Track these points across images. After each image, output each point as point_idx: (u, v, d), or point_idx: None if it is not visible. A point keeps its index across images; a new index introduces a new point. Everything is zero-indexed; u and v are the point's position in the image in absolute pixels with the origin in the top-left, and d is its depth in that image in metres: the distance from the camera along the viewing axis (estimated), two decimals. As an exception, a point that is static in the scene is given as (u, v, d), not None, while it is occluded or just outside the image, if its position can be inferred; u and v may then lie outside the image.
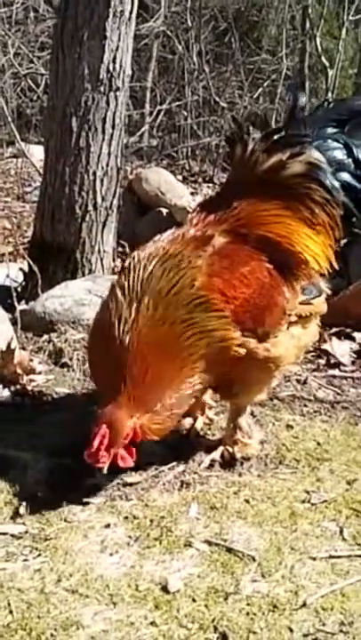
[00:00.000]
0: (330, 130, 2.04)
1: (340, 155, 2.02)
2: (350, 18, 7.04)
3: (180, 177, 5.68)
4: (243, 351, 1.82)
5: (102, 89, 2.92)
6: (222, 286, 1.80)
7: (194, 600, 1.53)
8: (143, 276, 1.80)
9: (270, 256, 1.89)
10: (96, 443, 1.72)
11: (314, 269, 1.98)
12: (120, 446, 1.75)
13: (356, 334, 3.09)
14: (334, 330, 3.13)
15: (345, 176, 2.02)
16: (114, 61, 2.91)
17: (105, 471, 1.76)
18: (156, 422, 1.78)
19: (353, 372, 2.80)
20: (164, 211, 4.49)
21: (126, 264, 1.89)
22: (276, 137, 1.96)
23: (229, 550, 1.68)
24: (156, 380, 1.75)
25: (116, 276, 1.95)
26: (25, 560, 1.63)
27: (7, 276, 3.16)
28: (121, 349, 1.75)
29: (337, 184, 1.98)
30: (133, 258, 1.88)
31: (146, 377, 1.74)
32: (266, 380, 1.99)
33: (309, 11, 7.10)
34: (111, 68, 2.91)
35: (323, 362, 2.86)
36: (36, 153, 5.28)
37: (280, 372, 2.02)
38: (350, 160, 2.02)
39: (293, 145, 1.94)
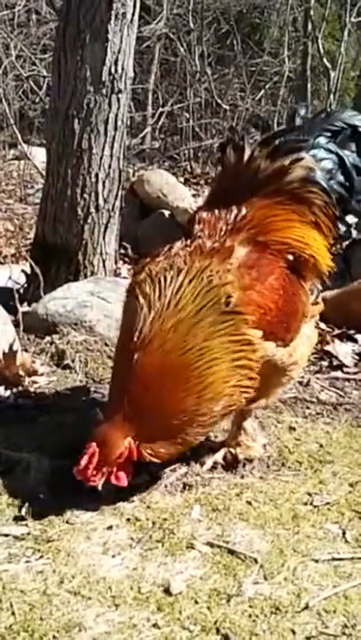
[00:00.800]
0: (323, 140, 2.06)
1: (330, 164, 2.05)
2: (352, 20, 7.05)
3: (181, 179, 5.69)
4: (274, 362, 1.82)
5: (104, 91, 2.92)
6: (257, 299, 1.78)
7: (196, 602, 1.53)
8: (168, 293, 1.76)
9: (287, 261, 1.91)
10: (84, 461, 1.71)
11: (321, 271, 2.01)
12: (114, 465, 1.73)
13: (358, 336, 3.10)
14: (337, 332, 3.13)
15: (335, 184, 2.05)
16: (116, 64, 2.91)
17: (100, 488, 1.74)
18: (160, 447, 1.75)
19: (355, 373, 2.80)
20: (166, 213, 4.50)
21: (142, 276, 1.83)
22: (276, 143, 1.97)
23: (232, 552, 1.68)
24: (158, 405, 1.72)
25: (129, 283, 1.89)
26: (27, 562, 1.63)
27: (9, 277, 3.16)
28: (129, 368, 1.74)
29: (332, 187, 2.02)
30: (150, 270, 1.82)
31: (146, 401, 1.72)
32: (285, 383, 2.00)
33: (311, 13, 7.11)
34: (113, 70, 2.91)
35: (325, 364, 2.86)
36: (39, 155, 5.29)
37: (298, 372, 2.04)
38: (340, 171, 2.06)
39: (294, 151, 1.96)
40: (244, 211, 1.92)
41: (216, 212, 1.94)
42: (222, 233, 1.89)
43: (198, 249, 1.84)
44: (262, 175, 1.96)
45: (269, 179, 1.95)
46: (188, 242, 1.88)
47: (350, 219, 2.07)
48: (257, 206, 1.93)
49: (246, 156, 1.98)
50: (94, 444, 1.72)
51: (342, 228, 2.09)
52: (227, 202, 1.95)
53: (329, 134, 2.07)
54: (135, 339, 1.75)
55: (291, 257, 1.92)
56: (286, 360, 1.88)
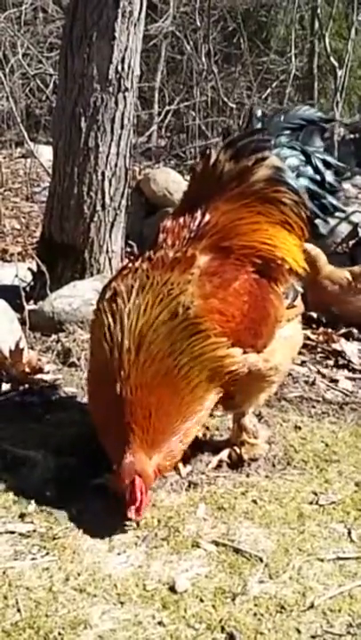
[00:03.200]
0: (284, 138, 2.04)
1: (296, 161, 2.03)
2: (360, 18, 7.02)
3: (188, 177, 5.67)
4: (246, 369, 1.80)
5: (111, 89, 2.91)
6: (220, 306, 1.75)
7: (201, 600, 1.53)
8: (131, 312, 1.72)
9: (255, 265, 1.86)
10: (138, 496, 1.67)
11: (294, 272, 1.97)
12: (148, 491, 1.73)
13: (363, 335, 3.09)
14: (343, 331, 3.13)
15: (305, 182, 2.03)
16: (123, 62, 2.91)
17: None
18: (169, 457, 1.75)
19: (361, 372, 2.80)
20: (172, 211, 4.49)
21: (107, 296, 1.80)
22: (238, 145, 1.94)
23: (237, 551, 1.68)
24: (163, 419, 1.72)
25: (96, 312, 1.86)
26: (33, 559, 1.63)
27: (16, 275, 3.16)
28: (120, 398, 1.70)
29: (300, 185, 2.00)
30: (114, 291, 1.79)
31: (151, 419, 1.71)
32: (267, 388, 1.97)
33: (318, 11, 7.08)
34: (120, 68, 2.91)
35: (331, 363, 2.86)
36: (45, 153, 5.29)
37: (281, 377, 2.01)
38: (308, 166, 2.04)
39: (257, 151, 1.94)
40: (207, 217, 1.87)
41: (180, 219, 1.90)
42: (185, 242, 1.85)
43: (160, 261, 1.80)
44: (227, 178, 1.92)
45: (234, 181, 1.92)
46: (152, 253, 1.84)
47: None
48: (222, 211, 1.88)
49: (212, 161, 1.95)
50: (136, 476, 1.68)
51: (321, 226, 2.07)
52: (193, 209, 1.90)
53: (290, 132, 2.04)
54: (111, 370, 1.71)
55: (259, 260, 1.87)
56: (262, 366, 1.84)
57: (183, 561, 1.64)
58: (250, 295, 1.81)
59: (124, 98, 2.96)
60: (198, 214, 1.89)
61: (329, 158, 2.09)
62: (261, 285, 1.87)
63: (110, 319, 1.76)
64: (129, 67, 2.93)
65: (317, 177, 2.05)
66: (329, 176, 2.06)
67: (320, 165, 2.05)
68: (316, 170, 2.05)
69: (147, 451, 1.71)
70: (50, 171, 3.61)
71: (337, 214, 3.92)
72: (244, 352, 1.79)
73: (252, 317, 1.81)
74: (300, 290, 2.05)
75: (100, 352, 1.77)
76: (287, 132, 2.05)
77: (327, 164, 2.08)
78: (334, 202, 2.08)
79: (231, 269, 1.82)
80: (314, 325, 3.17)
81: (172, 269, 1.77)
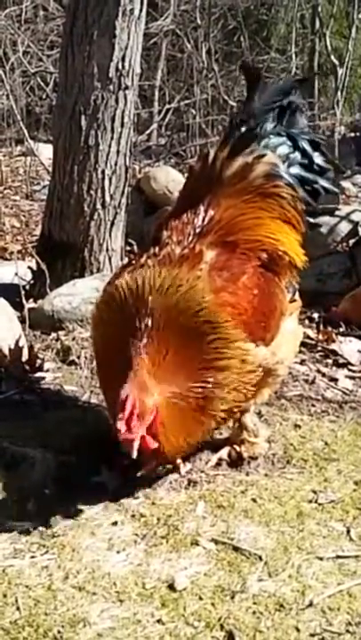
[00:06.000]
0: (270, 125, 2.03)
1: (286, 149, 2.03)
2: (360, 16, 7.00)
3: (187, 175, 5.66)
4: (257, 362, 1.80)
5: (111, 87, 2.91)
6: (231, 300, 1.76)
7: (200, 598, 1.53)
8: (142, 312, 1.71)
9: (260, 259, 1.88)
10: (127, 411, 1.61)
11: (295, 266, 1.99)
12: (145, 425, 1.66)
13: (364, 333, 3.08)
14: (342, 329, 3.13)
15: (296, 169, 2.03)
16: (123, 60, 2.90)
17: (134, 455, 1.65)
18: (173, 435, 1.73)
19: (361, 371, 2.80)
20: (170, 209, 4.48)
21: (113, 290, 1.78)
22: (233, 142, 1.95)
23: (236, 549, 1.68)
24: (178, 359, 1.69)
25: (98, 298, 1.85)
26: (32, 557, 1.63)
27: (16, 274, 3.16)
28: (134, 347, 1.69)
29: (294, 175, 2.01)
30: (118, 289, 1.77)
31: (166, 357, 1.68)
32: (273, 383, 1.98)
33: (319, 9, 7.08)
34: (120, 66, 2.90)
35: (331, 361, 2.86)
36: (45, 151, 5.28)
37: (285, 371, 2.02)
38: (296, 151, 2.04)
39: (248, 143, 1.95)
40: (211, 213, 1.89)
41: (183, 216, 1.90)
42: (190, 238, 1.85)
43: (167, 257, 1.80)
44: (226, 175, 1.94)
45: (234, 178, 1.94)
46: (157, 250, 1.84)
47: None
48: (224, 207, 1.90)
49: (210, 159, 1.96)
50: (131, 396, 1.63)
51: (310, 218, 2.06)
52: (194, 206, 1.91)
53: (273, 116, 2.03)
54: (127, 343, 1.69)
55: (264, 255, 1.89)
56: (270, 359, 1.85)
57: (182, 559, 1.64)
58: (258, 288, 1.83)
59: (125, 96, 2.96)
60: (201, 211, 1.90)
61: (315, 138, 2.10)
62: (267, 279, 1.89)
63: (122, 311, 1.75)
64: (129, 65, 2.93)
65: (306, 161, 2.05)
66: (317, 157, 2.07)
67: (307, 148, 2.06)
68: (304, 153, 2.05)
69: (152, 383, 1.67)
70: (50, 169, 3.61)
71: (337, 213, 3.96)
72: (256, 346, 1.80)
73: (262, 310, 1.82)
74: (296, 286, 2.06)
75: (105, 349, 1.77)
76: (270, 115, 2.04)
77: (314, 145, 2.08)
78: (326, 184, 2.08)
79: (238, 264, 1.84)
80: (314, 324, 3.17)
81: (180, 265, 1.78)
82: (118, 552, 1.66)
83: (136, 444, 1.64)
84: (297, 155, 2.05)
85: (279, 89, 2.09)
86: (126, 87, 2.95)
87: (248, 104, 2.07)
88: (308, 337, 2.98)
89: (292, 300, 2.01)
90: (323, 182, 2.07)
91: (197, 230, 1.87)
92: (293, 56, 7.09)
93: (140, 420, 1.64)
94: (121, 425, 1.62)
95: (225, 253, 1.84)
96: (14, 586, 1.55)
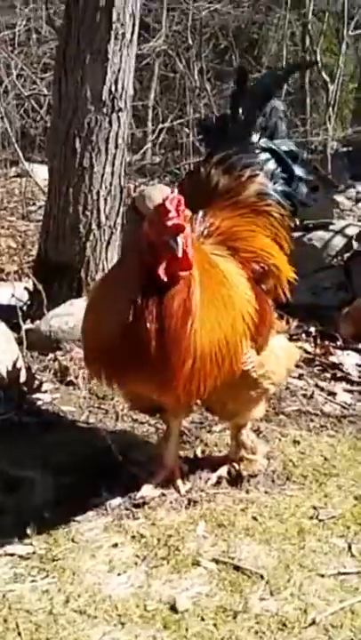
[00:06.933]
0: (254, 136, 2.06)
1: (272, 165, 2.07)
2: (350, 33, 7.10)
3: (177, 189, 5.69)
4: (250, 363, 1.79)
5: (105, 110, 2.95)
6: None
7: (202, 619, 1.52)
8: None
9: (252, 268, 1.90)
10: (174, 205, 1.54)
11: (284, 283, 2.00)
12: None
13: (361, 346, 3.09)
14: (339, 343, 3.14)
15: (280, 187, 2.07)
16: (116, 83, 2.94)
17: (179, 252, 1.55)
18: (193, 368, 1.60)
19: (359, 385, 2.80)
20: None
21: None
22: (230, 161, 1.99)
23: (237, 568, 1.68)
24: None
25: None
26: (33, 581, 1.63)
27: (13, 295, 3.17)
28: None
29: (280, 192, 2.05)
30: None
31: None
32: (259, 399, 1.96)
33: (309, 27, 7.17)
34: (113, 89, 2.94)
35: (329, 375, 2.86)
36: (40, 172, 5.32)
37: (272, 387, 1.98)
38: (279, 166, 2.08)
39: (247, 166, 1.99)
40: (209, 220, 1.92)
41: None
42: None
43: None
44: (221, 190, 1.98)
45: (228, 193, 1.98)
46: None
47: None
48: (220, 217, 1.94)
49: (204, 175, 2.00)
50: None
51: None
52: (192, 215, 1.92)
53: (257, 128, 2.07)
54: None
55: (256, 266, 1.91)
56: (257, 368, 1.83)
57: (184, 580, 1.63)
58: (253, 291, 1.84)
59: (118, 118, 2.99)
60: (199, 218, 1.93)
61: (293, 148, 2.13)
62: (258, 289, 1.90)
63: None
64: (122, 87, 2.97)
65: (286, 175, 2.09)
66: (297, 170, 2.11)
67: (286, 159, 2.09)
68: (285, 167, 2.09)
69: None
70: (45, 189, 3.64)
71: (331, 228, 3.98)
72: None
73: (256, 311, 1.82)
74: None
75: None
76: (256, 124, 2.07)
77: (293, 156, 2.11)
78: (304, 199, 2.12)
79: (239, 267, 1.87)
80: (311, 339, 3.18)
81: None
82: (119, 574, 1.65)
83: (181, 240, 1.55)
84: (279, 170, 2.09)
85: (262, 92, 2.12)
86: (120, 109, 2.98)
87: (235, 110, 2.10)
88: (306, 351, 2.99)
89: (278, 318, 2.05)
90: (301, 197, 2.11)
91: (199, 233, 1.90)
92: (285, 73, 7.15)
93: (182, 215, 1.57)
94: (172, 213, 1.54)
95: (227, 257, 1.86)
96: (15, 611, 1.54)
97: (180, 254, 1.57)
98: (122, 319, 1.59)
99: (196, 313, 1.60)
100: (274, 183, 2.05)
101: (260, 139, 2.07)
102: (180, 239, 1.56)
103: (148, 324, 1.57)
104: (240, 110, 2.08)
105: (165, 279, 1.58)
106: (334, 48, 7.58)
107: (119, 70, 2.94)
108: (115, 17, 2.87)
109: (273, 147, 2.08)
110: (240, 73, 2.18)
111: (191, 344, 1.59)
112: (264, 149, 2.07)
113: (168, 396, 1.71)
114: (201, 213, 1.93)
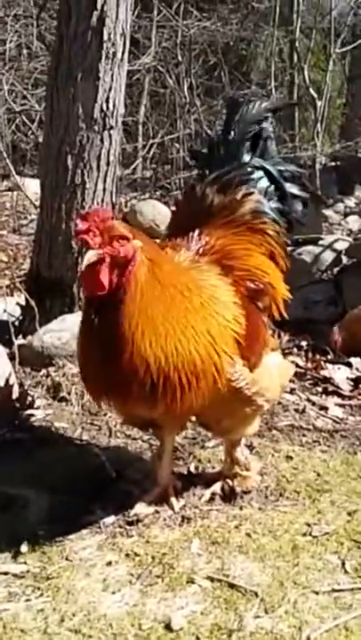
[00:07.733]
0: (246, 156, 2.09)
1: (265, 183, 2.09)
2: (337, 50, 7.21)
3: (173, 208, 5.73)
4: (242, 380, 1.81)
5: (96, 128, 2.97)
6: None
7: (198, 638, 1.52)
8: None
9: (247, 287, 1.92)
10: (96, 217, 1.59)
11: (280, 301, 2.02)
12: (108, 244, 1.62)
13: (352, 359, 3.11)
14: (330, 357, 3.16)
15: (274, 204, 2.09)
16: (107, 101, 2.97)
17: (92, 257, 1.59)
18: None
19: (351, 399, 2.82)
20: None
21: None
22: (224, 179, 2.01)
23: (232, 586, 1.68)
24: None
25: None
26: (27, 600, 1.62)
27: (4, 310, 3.17)
28: None
29: (279, 215, 2.07)
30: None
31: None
32: (252, 415, 1.96)
33: (297, 44, 7.27)
34: (105, 107, 2.97)
35: (320, 389, 2.88)
36: (32, 186, 5.34)
37: (266, 404, 1.98)
38: (273, 187, 2.10)
39: (241, 183, 2.01)
40: (205, 239, 1.94)
41: (178, 241, 1.95)
42: (187, 254, 1.90)
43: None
44: (216, 209, 2.00)
45: (223, 211, 2.00)
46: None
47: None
48: (215, 236, 1.96)
49: (199, 193, 2.02)
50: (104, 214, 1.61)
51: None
52: (186, 234, 1.96)
53: (249, 144, 2.09)
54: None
55: (252, 285, 1.93)
56: (250, 385, 1.84)
57: (178, 598, 1.63)
58: (246, 310, 1.85)
59: (110, 135, 3.02)
60: (195, 236, 1.95)
61: (284, 167, 2.15)
62: (254, 305, 1.93)
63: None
64: (114, 105, 3.00)
65: (280, 193, 2.12)
66: (289, 187, 2.13)
67: (280, 178, 2.12)
68: (278, 185, 2.11)
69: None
70: (37, 203, 3.64)
71: (321, 242, 4.02)
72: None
73: (250, 331, 1.83)
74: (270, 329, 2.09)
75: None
76: (246, 145, 2.09)
77: (284, 175, 2.14)
78: (298, 216, 2.14)
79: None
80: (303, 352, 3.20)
81: None
82: (114, 593, 1.65)
83: (92, 255, 1.59)
84: (272, 187, 2.11)
85: (253, 117, 2.14)
86: (111, 127, 3.01)
87: (227, 134, 2.11)
88: (297, 365, 3.01)
89: (272, 335, 2.05)
90: (294, 214, 2.13)
91: (194, 252, 1.92)
92: (273, 90, 7.25)
93: (106, 235, 1.61)
94: (80, 227, 1.58)
95: (222, 274, 1.88)
96: (10, 630, 1.53)
97: (83, 268, 1.63)
98: (80, 335, 1.79)
99: (143, 327, 1.65)
100: (268, 200, 2.07)
101: (251, 158, 2.10)
102: (87, 255, 1.60)
103: (93, 339, 1.70)
104: (232, 133, 2.10)
105: (86, 294, 1.67)
106: (322, 64, 7.70)
107: (110, 89, 2.97)
108: (106, 36, 2.91)
109: (266, 165, 2.10)
110: (231, 104, 2.19)
111: (139, 355, 1.64)
112: (257, 168, 2.09)
113: (150, 410, 1.74)
114: (197, 232, 1.95)
